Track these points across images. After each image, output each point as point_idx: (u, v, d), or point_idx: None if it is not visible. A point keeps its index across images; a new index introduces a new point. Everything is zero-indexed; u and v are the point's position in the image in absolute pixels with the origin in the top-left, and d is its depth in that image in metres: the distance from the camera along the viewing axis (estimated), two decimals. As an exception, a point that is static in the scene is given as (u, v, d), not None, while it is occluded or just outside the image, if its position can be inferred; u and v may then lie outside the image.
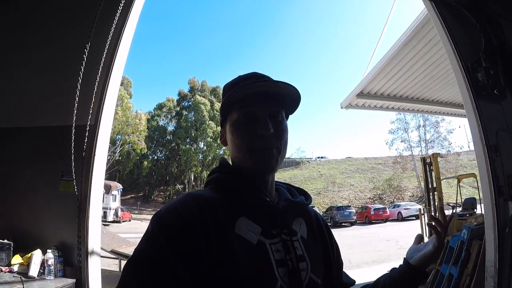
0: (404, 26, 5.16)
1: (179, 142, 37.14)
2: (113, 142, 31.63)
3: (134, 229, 17.92)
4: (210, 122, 35.66)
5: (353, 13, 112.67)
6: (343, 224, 21.95)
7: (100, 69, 2.72)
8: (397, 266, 0.93)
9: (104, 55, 2.74)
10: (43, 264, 2.34)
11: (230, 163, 0.90)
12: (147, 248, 0.67)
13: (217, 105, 37.00)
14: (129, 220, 25.31)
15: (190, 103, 38.89)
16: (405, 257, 0.93)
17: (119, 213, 22.96)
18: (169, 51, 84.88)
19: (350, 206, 24.34)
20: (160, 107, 40.96)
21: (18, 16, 3.44)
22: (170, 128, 40.95)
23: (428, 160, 8.36)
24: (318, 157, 51.23)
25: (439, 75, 6.08)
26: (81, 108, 2.59)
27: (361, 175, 39.26)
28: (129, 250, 5.62)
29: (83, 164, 2.57)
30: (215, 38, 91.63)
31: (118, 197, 23.82)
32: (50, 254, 2.34)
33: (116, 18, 2.80)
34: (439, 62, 5.49)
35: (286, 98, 0.84)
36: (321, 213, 22.70)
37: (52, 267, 2.32)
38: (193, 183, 37.99)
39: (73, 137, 2.51)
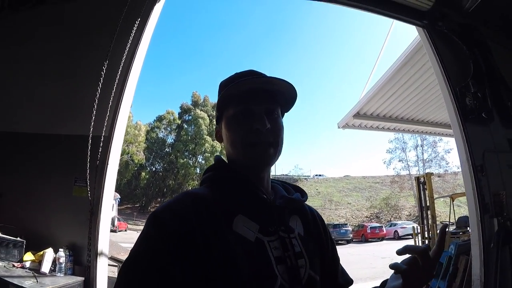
0: (399, 51, 5.41)
1: (178, 155, 37.20)
2: None
3: (130, 239, 17.77)
4: (207, 137, 35.83)
5: (353, 37, 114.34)
6: (340, 242, 21.64)
7: (115, 84, 2.92)
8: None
9: (120, 71, 2.95)
10: (54, 262, 2.47)
11: (226, 160, 0.90)
12: (144, 249, 0.66)
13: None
14: (125, 230, 25.40)
15: (191, 117, 39.21)
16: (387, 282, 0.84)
17: (116, 222, 23.02)
18: (175, 67, 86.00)
19: (346, 224, 24.14)
20: (160, 119, 40.94)
21: (39, 27, 3.70)
22: (170, 140, 41.00)
23: (422, 179, 8.47)
24: (316, 175, 50.83)
25: (432, 97, 6.29)
26: (97, 120, 2.78)
27: (359, 193, 39.14)
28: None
29: (97, 171, 2.73)
30: (222, 55, 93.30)
31: (116, 207, 23.93)
32: (61, 253, 2.48)
33: (131, 37, 3.03)
34: (432, 85, 5.70)
35: (282, 95, 0.85)
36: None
37: (63, 265, 2.46)
38: None
39: (89, 147, 2.68)
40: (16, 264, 2.44)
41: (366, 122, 7.77)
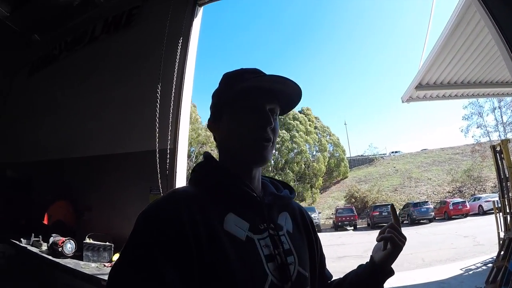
0: (449, 13, 5.07)
1: None
2: (188, 155, 33.39)
3: None
4: None
5: (399, 7, 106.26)
6: (421, 221, 20.30)
7: (172, 102, 3.25)
8: (464, 263, 0.89)
9: (173, 89, 3.26)
10: None
11: (214, 157, 0.90)
12: (135, 252, 0.65)
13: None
14: None
15: None
16: (371, 254, 0.96)
17: None
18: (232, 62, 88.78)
19: (427, 202, 22.27)
20: None
21: (97, 61, 4.26)
22: None
23: (498, 148, 7.65)
24: (392, 152, 48.24)
25: (497, 55, 5.74)
26: (161, 135, 3.11)
27: (438, 167, 36.15)
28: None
29: (167, 180, 3.06)
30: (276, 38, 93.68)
31: None
32: None
33: (178, 55, 3.36)
34: (493, 43, 5.22)
35: (285, 98, 0.87)
36: (398, 211, 21.41)
37: None
38: None
39: (157, 160, 3.02)
40: (106, 264, 2.85)
41: (430, 92, 7.33)
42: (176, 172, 3.12)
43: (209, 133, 34.70)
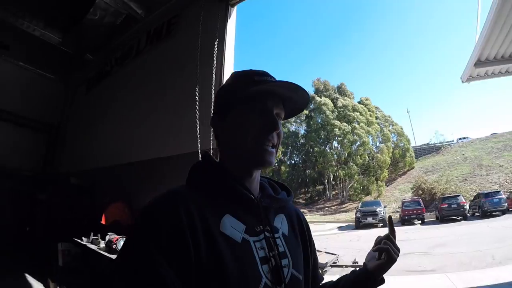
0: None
1: (312, 145, 37.23)
2: None
3: None
4: (335, 121, 34.90)
5: None
6: (493, 213, 18.15)
7: (212, 102, 3.35)
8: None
9: (213, 89, 3.36)
10: None
11: (213, 157, 0.91)
12: (133, 250, 0.66)
13: (342, 102, 36.35)
14: None
15: (316, 105, 38.46)
16: (364, 261, 1.00)
17: None
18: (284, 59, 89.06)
19: (499, 191, 19.66)
20: None
21: (144, 71, 4.53)
22: (302, 132, 41.10)
23: None
24: (460, 139, 44.49)
25: None
26: (202, 137, 3.22)
27: (511, 152, 32.84)
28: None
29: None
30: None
31: None
32: None
33: (215, 57, 3.42)
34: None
35: (291, 104, 0.89)
36: (467, 202, 20.00)
37: None
38: (333, 182, 37.49)
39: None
40: None
41: (492, 68, 6.53)
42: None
43: None
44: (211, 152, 3.20)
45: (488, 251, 8.40)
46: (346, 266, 6.46)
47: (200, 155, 3.15)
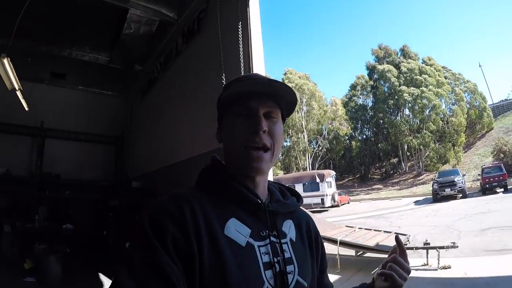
0: None
1: (381, 116, 35.26)
2: (320, 133, 33.37)
3: (352, 211, 17.74)
4: (402, 87, 32.63)
5: None
6: None
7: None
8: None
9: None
10: None
11: (222, 160, 0.88)
12: (139, 248, 0.66)
13: (406, 65, 33.75)
14: (348, 203, 25.11)
15: (378, 74, 36.52)
16: (373, 276, 0.93)
17: (336, 197, 23.14)
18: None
19: None
20: (353, 87, 39.43)
21: (186, 69, 4.68)
22: (370, 104, 39.08)
23: None
24: None
25: None
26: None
27: None
28: (332, 234, 6.04)
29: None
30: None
31: (333, 183, 23.84)
32: None
33: (241, 46, 3.36)
34: None
35: (282, 99, 0.83)
36: None
37: None
38: (408, 153, 35.31)
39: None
40: None
41: None
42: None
43: (334, 107, 34.60)
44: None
45: None
46: (417, 248, 5.84)
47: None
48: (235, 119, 0.80)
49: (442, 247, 5.51)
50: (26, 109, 5.73)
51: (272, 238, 0.78)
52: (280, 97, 0.82)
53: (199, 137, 4.10)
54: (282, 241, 0.80)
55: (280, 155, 0.76)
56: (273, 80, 0.79)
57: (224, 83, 3.22)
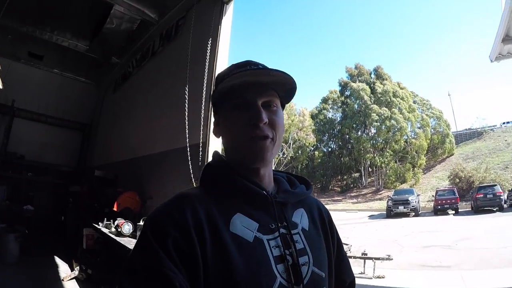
0: None
1: (347, 131, 36.23)
2: (286, 141, 33.11)
3: None
4: (373, 105, 33.56)
5: None
6: None
7: (204, 99, 3.53)
8: None
9: (204, 87, 3.54)
10: None
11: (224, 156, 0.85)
12: (142, 255, 0.64)
13: (379, 86, 34.86)
14: None
15: (350, 91, 37.35)
16: None
17: None
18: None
19: None
20: (324, 100, 39.96)
21: (160, 71, 4.87)
22: (339, 118, 39.70)
23: None
24: (504, 123, 40.14)
25: None
26: (191, 133, 3.46)
27: None
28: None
29: (200, 171, 3.36)
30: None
31: None
32: None
33: (208, 54, 3.59)
34: None
35: (281, 86, 0.80)
36: (506, 192, 18.26)
37: None
38: (369, 170, 36.43)
39: (188, 154, 3.38)
40: None
41: None
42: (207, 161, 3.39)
43: (302, 118, 35.03)
44: (200, 145, 3.40)
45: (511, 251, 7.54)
46: (355, 258, 6.33)
47: (188, 149, 3.39)
48: (233, 113, 0.77)
49: (378, 258, 6.03)
50: (0, 86, 5.69)
51: (282, 230, 0.75)
52: (278, 84, 0.79)
53: (163, 136, 4.28)
54: (293, 231, 0.77)
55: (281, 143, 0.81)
56: (268, 68, 0.76)
57: (187, 95, 3.50)
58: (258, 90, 0.76)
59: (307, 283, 0.72)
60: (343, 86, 39.06)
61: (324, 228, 0.88)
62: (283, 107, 0.84)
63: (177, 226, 0.64)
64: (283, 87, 0.79)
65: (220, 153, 0.87)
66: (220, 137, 0.83)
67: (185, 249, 0.63)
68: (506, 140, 33.26)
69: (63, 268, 4.61)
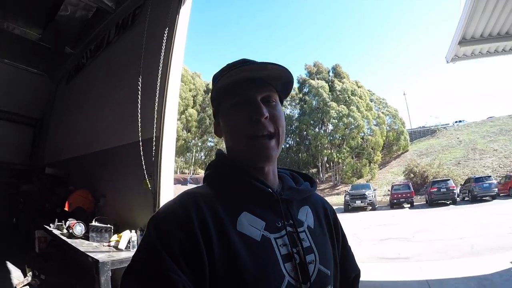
0: None
1: (305, 128, 36.93)
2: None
3: None
4: (331, 103, 34.41)
5: None
6: (484, 198, 17.29)
7: (157, 93, 3.36)
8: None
9: (159, 80, 3.37)
10: (129, 240, 2.96)
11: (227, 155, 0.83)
12: (145, 256, 0.62)
13: (338, 84, 35.80)
14: None
15: (309, 88, 38.13)
16: None
17: None
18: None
19: (490, 176, 18.70)
20: None
21: (114, 62, 4.61)
22: (297, 115, 40.58)
23: None
24: (456, 122, 43.34)
25: None
26: (147, 125, 3.28)
27: (506, 137, 30.72)
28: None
29: (155, 166, 3.21)
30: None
31: None
32: (133, 233, 2.98)
33: (164, 47, 3.42)
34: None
35: (278, 81, 0.79)
36: (458, 187, 19.40)
37: (135, 242, 2.94)
38: (327, 165, 37.33)
39: (141, 148, 3.19)
40: (104, 244, 3.06)
41: (478, 47, 5.90)
42: (161, 158, 3.24)
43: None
44: (154, 140, 3.23)
45: (468, 240, 7.81)
46: None
47: (141, 143, 3.22)
48: (233, 110, 0.76)
49: (338, 252, 6.10)
50: None
51: (289, 228, 0.73)
52: (275, 79, 0.78)
53: (115, 130, 4.07)
54: (299, 229, 0.76)
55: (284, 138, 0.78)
56: (264, 62, 0.74)
57: (140, 87, 3.31)
58: (256, 86, 0.76)
59: (314, 281, 0.71)
60: (302, 83, 39.84)
61: (329, 226, 0.88)
62: (281, 102, 0.83)
63: (181, 227, 0.63)
64: (280, 81, 0.79)
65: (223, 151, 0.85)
66: (221, 137, 0.83)
67: (190, 250, 0.61)
68: (458, 138, 35.39)
69: (16, 275, 4.23)
